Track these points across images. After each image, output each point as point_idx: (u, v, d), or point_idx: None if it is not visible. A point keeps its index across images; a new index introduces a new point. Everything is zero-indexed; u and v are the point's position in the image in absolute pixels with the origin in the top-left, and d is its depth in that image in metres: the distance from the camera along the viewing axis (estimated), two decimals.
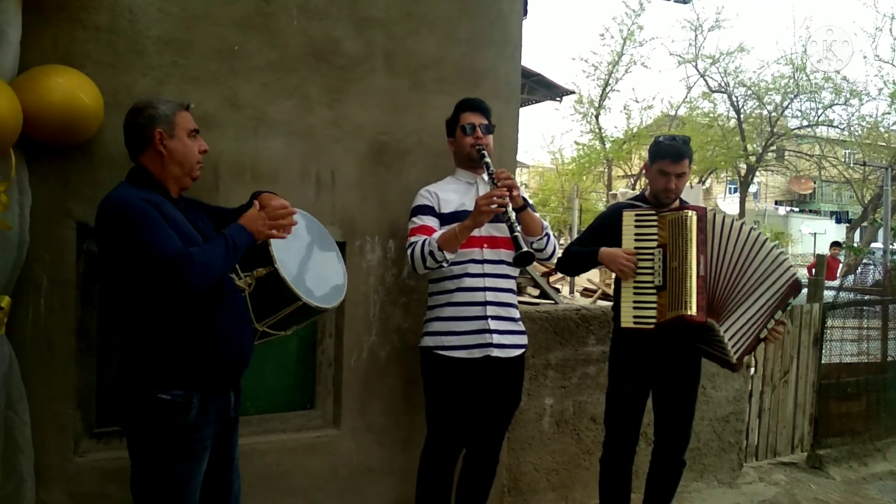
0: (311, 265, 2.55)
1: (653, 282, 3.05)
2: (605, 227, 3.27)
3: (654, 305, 3.04)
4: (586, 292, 13.62)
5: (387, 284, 3.28)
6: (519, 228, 2.74)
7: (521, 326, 3.08)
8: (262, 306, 2.39)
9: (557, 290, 11.47)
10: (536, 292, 9.84)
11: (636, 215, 3.15)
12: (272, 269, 2.31)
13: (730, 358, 3.04)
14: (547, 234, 3.02)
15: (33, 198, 2.53)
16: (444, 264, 2.86)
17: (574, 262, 3.35)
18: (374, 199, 3.24)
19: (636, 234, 3.13)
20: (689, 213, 3.03)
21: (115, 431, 2.87)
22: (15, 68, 2.43)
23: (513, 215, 2.76)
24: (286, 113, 3.03)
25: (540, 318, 3.85)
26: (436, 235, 2.84)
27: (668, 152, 3.17)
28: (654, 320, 3.03)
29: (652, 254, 3.07)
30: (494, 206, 2.73)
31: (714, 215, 3.09)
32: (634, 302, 3.08)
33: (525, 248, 2.69)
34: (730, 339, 3.01)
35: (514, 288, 3.09)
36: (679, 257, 3.00)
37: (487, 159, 2.94)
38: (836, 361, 5.28)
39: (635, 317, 3.07)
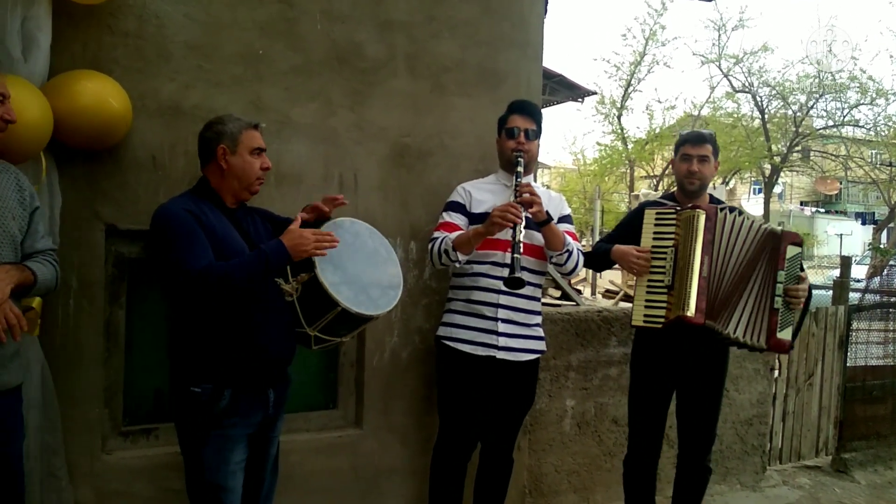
0: (362, 273, 2.56)
1: (663, 281, 3.04)
2: (632, 225, 3.26)
3: (664, 304, 3.03)
4: (608, 294, 13.57)
5: (408, 285, 3.29)
6: (521, 251, 2.71)
7: (537, 333, 3.08)
8: (311, 311, 2.44)
9: (579, 292, 11.44)
10: (558, 293, 9.84)
11: (657, 213, 3.14)
12: (313, 274, 2.37)
13: (758, 346, 3.02)
14: (568, 251, 2.97)
15: (63, 200, 2.58)
16: (457, 264, 2.91)
17: (593, 258, 3.36)
18: (396, 201, 3.26)
19: (654, 233, 3.12)
20: (699, 211, 3.00)
21: (143, 430, 2.93)
22: (45, 73, 2.49)
23: (520, 235, 2.73)
24: (309, 116, 3.06)
25: (561, 320, 3.85)
26: (452, 235, 2.88)
27: (688, 137, 3.24)
28: (662, 320, 3.02)
29: (666, 253, 3.06)
30: (506, 220, 2.73)
31: (724, 214, 3.04)
32: (647, 301, 3.08)
33: (516, 274, 2.65)
34: (742, 334, 2.99)
35: (537, 295, 3.08)
36: (686, 257, 2.99)
37: (519, 168, 2.92)
38: (861, 364, 5.22)
39: (646, 315, 3.06)
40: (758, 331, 3.02)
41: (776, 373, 4.77)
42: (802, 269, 3.15)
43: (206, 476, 2.35)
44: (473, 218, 2.99)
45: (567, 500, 3.92)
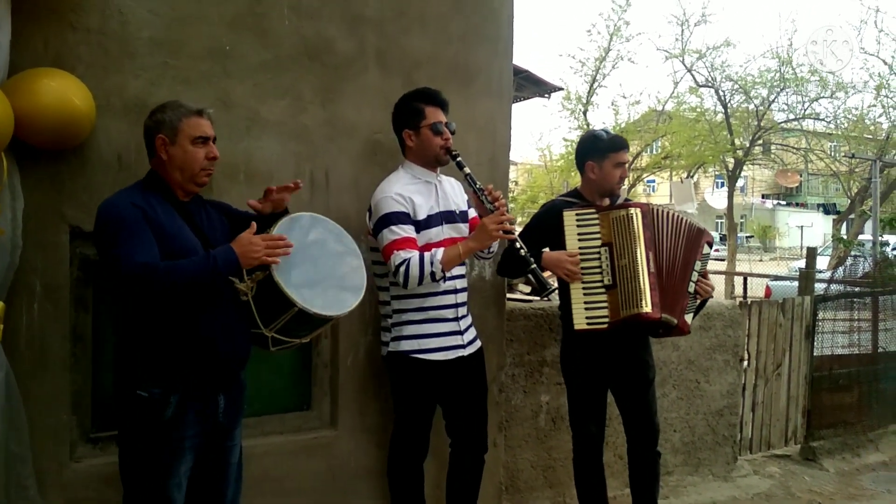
0: (322, 271, 2.47)
1: (601, 281, 3.07)
2: (543, 227, 3.24)
3: (605, 305, 3.06)
4: None
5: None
6: (534, 261, 2.82)
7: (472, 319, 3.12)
8: (267, 311, 2.35)
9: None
10: (528, 289, 9.84)
11: (577, 215, 3.15)
12: (268, 273, 2.29)
13: (671, 322, 3.06)
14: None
15: (26, 202, 2.50)
16: (442, 283, 2.86)
17: (510, 265, 3.21)
18: (369, 199, 3.21)
19: (579, 234, 3.13)
20: (634, 210, 3.05)
21: (112, 436, 2.85)
22: (5, 71, 2.40)
23: (523, 245, 2.81)
24: (279, 113, 3.01)
25: (535, 315, 3.86)
26: (438, 255, 2.76)
27: (621, 143, 3.24)
28: (606, 320, 3.05)
29: (598, 253, 3.09)
30: (508, 233, 2.77)
31: (656, 210, 3.12)
32: (585, 303, 3.08)
33: (550, 286, 2.80)
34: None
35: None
36: (628, 255, 3.02)
37: (467, 169, 2.89)
38: (827, 353, 5.32)
39: (588, 318, 3.08)
40: (676, 310, 3.08)
41: (745, 364, 4.83)
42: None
43: (149, 488, 2.25)
44: (419, 225, 2.86)
45: (543, 496, 3.93)
